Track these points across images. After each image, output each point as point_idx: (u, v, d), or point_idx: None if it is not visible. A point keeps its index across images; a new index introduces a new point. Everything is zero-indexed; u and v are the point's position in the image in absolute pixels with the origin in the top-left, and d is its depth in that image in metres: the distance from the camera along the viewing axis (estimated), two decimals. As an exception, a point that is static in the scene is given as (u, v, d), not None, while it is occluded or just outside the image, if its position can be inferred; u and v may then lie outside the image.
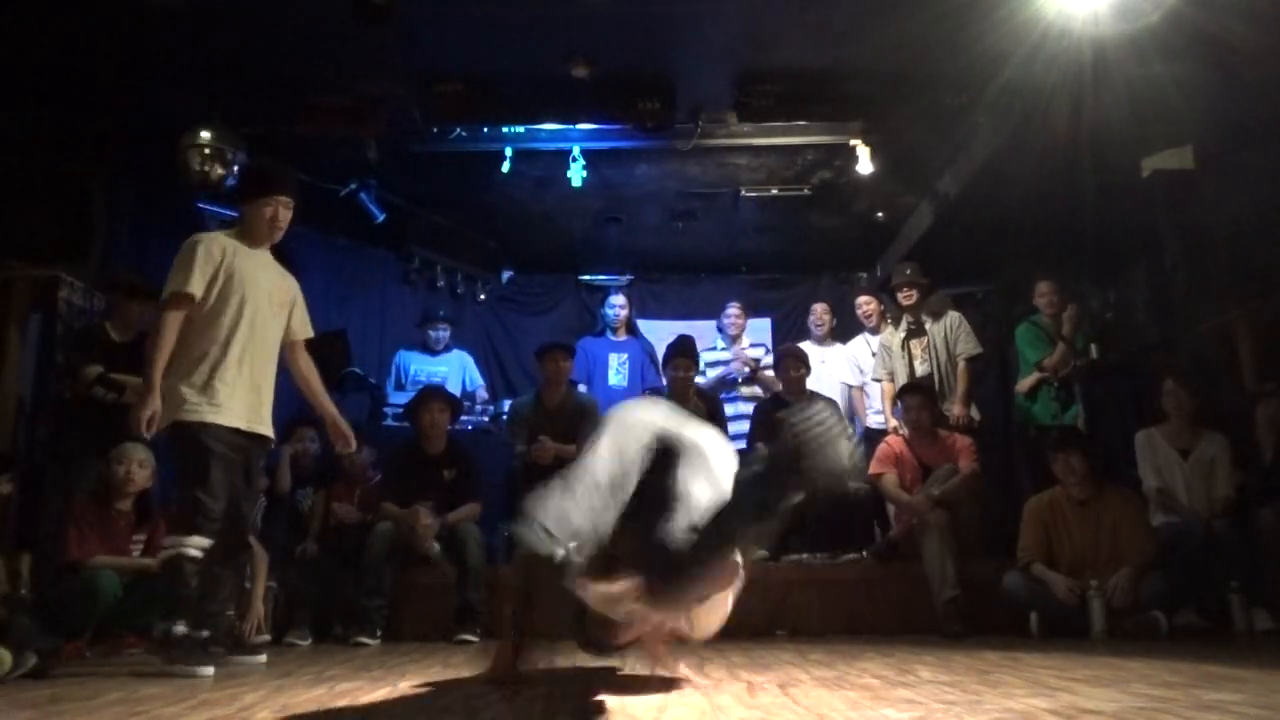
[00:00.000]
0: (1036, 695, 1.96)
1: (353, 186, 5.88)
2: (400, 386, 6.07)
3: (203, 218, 5.88)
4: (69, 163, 4.86)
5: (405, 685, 2.39)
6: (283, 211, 3.30)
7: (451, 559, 4.38)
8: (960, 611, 4.06)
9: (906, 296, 5.43)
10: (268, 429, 3.28)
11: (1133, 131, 4.63)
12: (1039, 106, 4.43)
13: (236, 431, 3.11)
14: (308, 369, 3.49)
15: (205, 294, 3.12)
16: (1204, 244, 5.08)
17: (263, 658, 3.15)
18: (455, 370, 6.19)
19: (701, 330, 6.23)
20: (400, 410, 5.70)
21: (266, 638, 4.13)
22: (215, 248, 3.17)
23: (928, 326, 5.40)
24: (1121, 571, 3.87)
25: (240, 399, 3.12)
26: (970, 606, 4.11)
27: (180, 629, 2.91)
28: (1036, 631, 4.02)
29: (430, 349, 6.24)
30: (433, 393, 4.94)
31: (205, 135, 4.83)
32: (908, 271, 5.48)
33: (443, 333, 6.26)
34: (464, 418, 5.51)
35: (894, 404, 5.20)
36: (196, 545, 2.97)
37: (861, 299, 6.20)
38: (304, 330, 3.51)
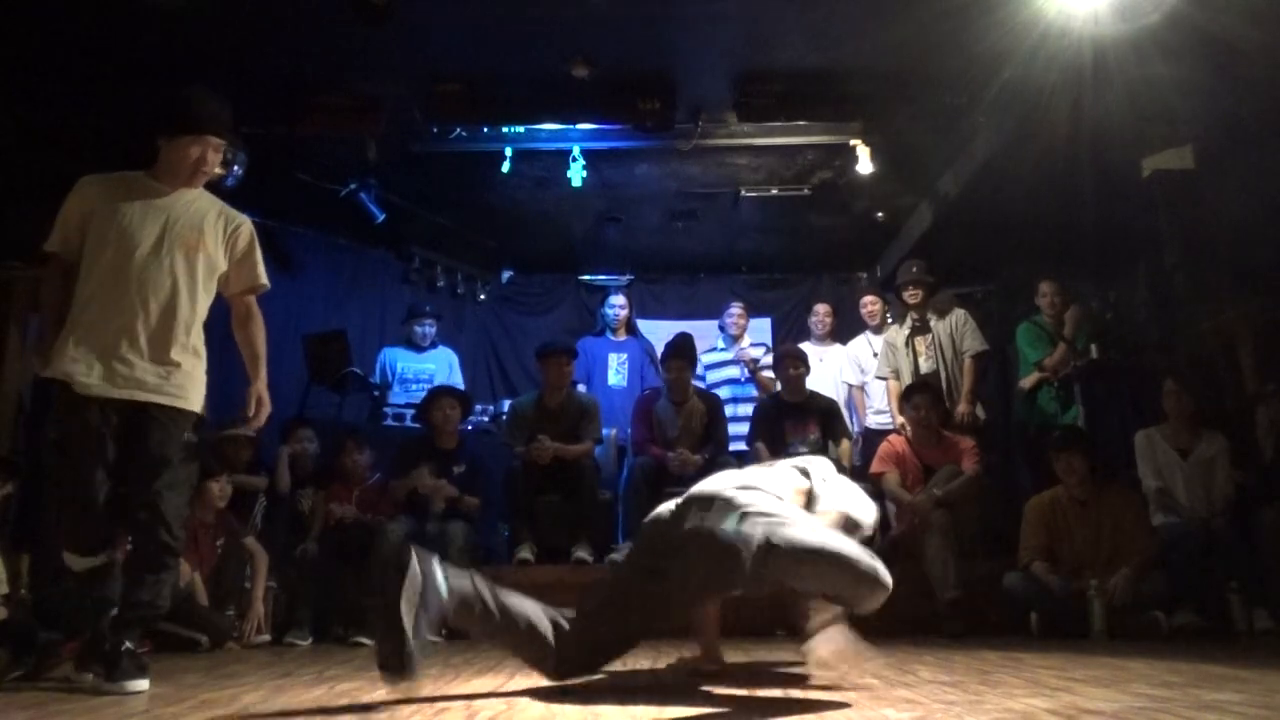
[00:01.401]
0: (1036, 695, 1.96)
1: (353, 186, 5.88)
2: (387, 386, 6.03)
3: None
4: (69, 163, 4.86)
5: (405, 685, 2.39)
6: (212, 155, 2.83)
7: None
8: (961, 611, 4.06)
9: (912, 295, 5.42)
10: (172, 397, 2.65)
11: (1133, 131, 4.64)
12: (1039, 106, 4.43)
13: (103, 402, 2.56)
14: (253, 332, 2.95)
15: (78, 245, 2.70)
16: (1204, 244, 5.08)
17: (144, 683, 2.40)
18: (443, 368, 6.13)
19: (702, 330, 6.24)
20: (400, 410, 5.71)
21: (266, 638, 4.14)
22: (91, 190, 2.74)
23: (933, 324, 5.39)
24: (1122, 571, 3.87)
25: (105, 364, 2.57)
26: (970, 606, 4.10)
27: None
28: (1036, 631, 4.02)
29: (416, 345, 6.15)
30: (444, 390, 5.05)
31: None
32: (914, 269, 5.47)
33: (429, 328, 6.17)
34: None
35: (900, 401, 5.19)
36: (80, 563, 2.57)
37: (866, 299, 6.20)
38: (244, 281, 2.92)
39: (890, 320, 6.00)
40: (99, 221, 2.69)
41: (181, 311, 2.72)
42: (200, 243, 2.78)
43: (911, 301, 5.43)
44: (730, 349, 6.08)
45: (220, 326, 6.47)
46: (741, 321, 6.16)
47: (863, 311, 6.16)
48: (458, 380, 6.14)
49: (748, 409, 5.69)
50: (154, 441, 2.59)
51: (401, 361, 6.09)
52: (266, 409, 2.87)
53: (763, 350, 6.13)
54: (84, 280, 2.66)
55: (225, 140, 2.88)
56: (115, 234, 2.67)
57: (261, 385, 2.87)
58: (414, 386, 5.92)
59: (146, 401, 2.60)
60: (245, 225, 2.91)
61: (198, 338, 2.79)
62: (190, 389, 2.71)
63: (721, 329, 6.19)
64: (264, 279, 2.95)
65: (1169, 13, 3.78)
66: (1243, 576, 3.82)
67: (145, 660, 2.50)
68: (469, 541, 4.45)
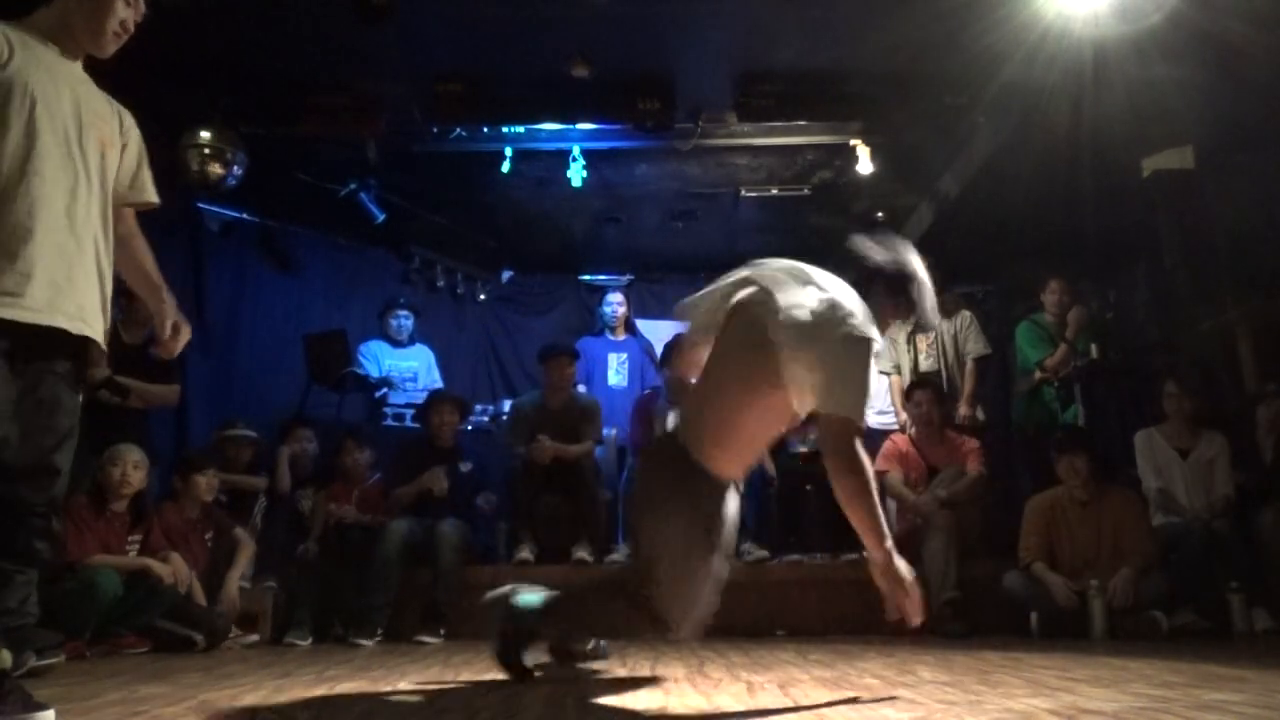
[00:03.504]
0: (1036, 695, 1.96)
1: (353, 186, 5.88)
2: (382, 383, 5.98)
3: (203, 218, 5.89)
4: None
5: (405, 685, 2.39)
6: (135, 17, 2.25)
7: (427, 559, 4.39)
8: (959, 612, 4.06)
9: None
10: (92, 326, 2.10)
11: (1133, 131, 4.63)
12: (1039, 106, 4.43)
13: (26, 330, 1.97)
14: (143, 251, 2.35)
15: None
16: (1204, 244, 5.08)
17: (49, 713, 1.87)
18: (424, 366, 6.08)
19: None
20: (400, 410, 5.71)
21: (255, 638, 4.12)
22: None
23: (937, 323, 5.37)
24: (1122, 572, 3.87)
25: (43, 278, 1.99)
26: (970, 606, 4.10)
27: None
28: (1036, 631, 4.02)
29: (394, 339, 6.03)
30: (443, 396, 5.04)
31: (205, 135, 4.83)
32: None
33: (404, 320, 6.04)
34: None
35: (904, 397, 5.18)
36: None
37: None
38: (141, 192, 2.36)
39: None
40: (8, 86, 2.03)
41: (108, 225, 2.19)
42: (111, 137, 2.22)
43: None
44: None
45: (223, 324, 6.44)
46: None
47: None
48: (436, 379, 6.11)
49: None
50: (66, 394, 2.07)
51: (387, 359, 6.00)
52: (186, 332, 2.31)
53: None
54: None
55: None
56: (35, 110, 2.03)
57: (172, 307, 2.30)
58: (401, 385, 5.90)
59: (80, 334, 2.07)
60: (131, 121, 2.36)
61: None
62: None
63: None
64: (155, 194, 2.41)
65: (1169, 13, 3.78)
66: (1243, 576, 3.81)
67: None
68: (464, 540, 4.45)
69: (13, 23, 2.12)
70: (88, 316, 2.09)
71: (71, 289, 2.05)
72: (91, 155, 2.15)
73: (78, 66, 2.22)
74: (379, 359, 5.99)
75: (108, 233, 2.19)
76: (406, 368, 5.99)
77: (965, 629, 3.98)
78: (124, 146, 2.30)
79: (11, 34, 2.07)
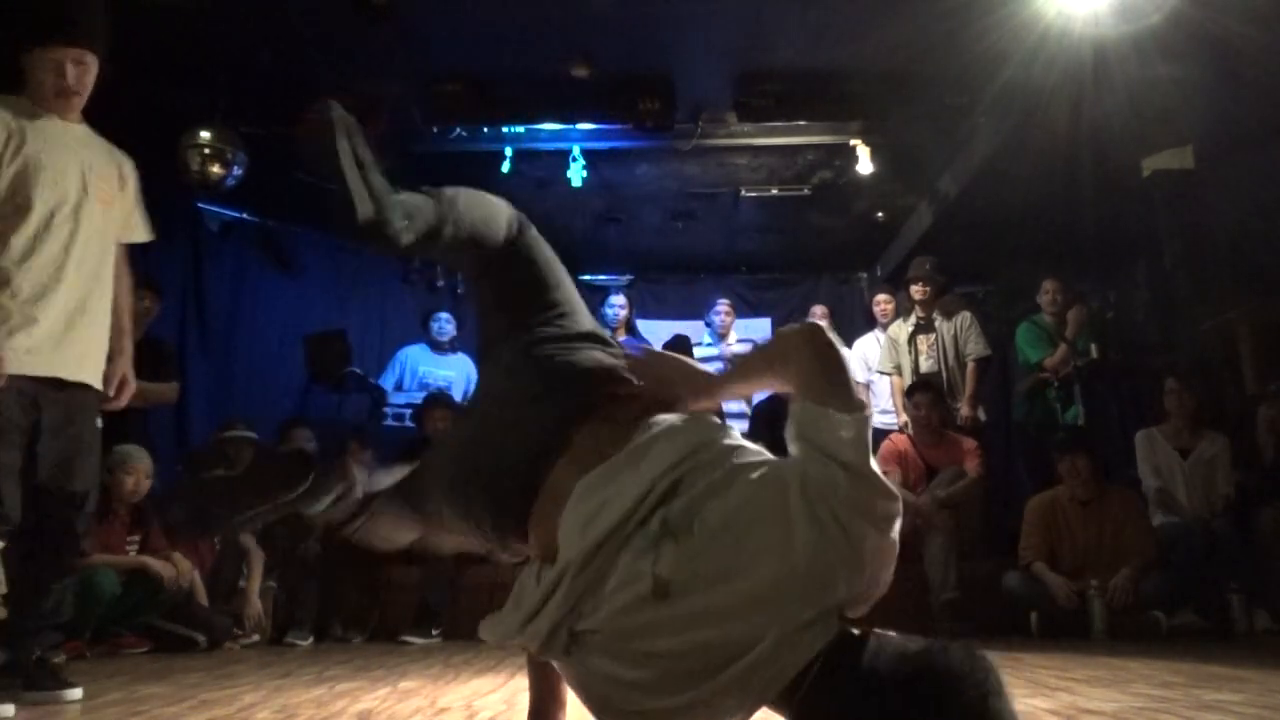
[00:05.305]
0: (1036, 695, 1.96)
1: (353, 186, 5.86)
2: (402, 388, 5.94)
3: (203, 218, 5.89)
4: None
5: (405, 685, 2.39)
6: (72, 69, 2.27)
7: (417, 559, 4.39)
8: (958, 613, 4.06)
9: (920, 291, 5.37)
10: (93, 376, 2.33)
11: (1133, 131, 4.63)
12: (1039, 106, 4.43)
13: (40, 381, 2.20)
14: (124, 289, 2.49)
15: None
16: (1204, 244, 5.08)
17: (77, 692, 2.21)
18: (461, 376, 6.07)
19: (700, 330, 6.24)
20: (400, 410, 5.71)
21: (256, 637, 4.13)
22: (3, 115, 2.22)
23: (938, 324, 5.37)
24: (1122, 572, 3.87)
25: (47, 334, 2.21)
26: (970, 606, 4.10)
27: None
28: (1036, 631, 4.02)
29: (435, 343, 6.01)
30: (436, 400, 5.04)
31: (205, 135, 4.83)
32: (926, 266, 5.41)
33: (447, 325, 6.04)
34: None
35: (903, 398, 5.17)
36: None
37: (879, 297, 6.16)
38: (134, 232, 2.52)
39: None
40: (20, 156, 2.22)
41: (107, 273, 2.38)
42: (113, 193, 2.40)
43: (918, 297, 5.38)
44: (717, 345, 6.05)
45: (223, 324, 6.42)
46: (728, 319, 6.11)
47: (875, 309, 6.12)
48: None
49: (736, 405, 5.68)
50: (85, 424, 2.30)
51: (422, 365, 5.95)
52: (130, 388, 2.44)
53: (749, 348, 6.09)
54: (12, 230, 2.19)
55: (94, 51, 2.32)
56: (44, 174, 2.23)
57: (127, 361, 2.44)
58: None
59: (85, 383, 2.30)
60: (128, 164, 2.51)
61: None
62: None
63: (709, 325, 6.17)
64: (147, 231, 2.57)
65: (1169, 13, 3.78)
66: (1243, 576, 3.82)
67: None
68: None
69: (19, 96, 2.28)
70: (86, 364, 2.30)
71: (71, 342, 2.26)
72: (96, 217, 2.32)
73: (79, 127, 2.37)
74: (415, 365, 5.94)
75: (106, 280, 2.38)
76: (443, 376, 5.92)
77: (965, 629, 3.98)
78: (122, 190, 2.46)
79: (12, 121, 2.22)
